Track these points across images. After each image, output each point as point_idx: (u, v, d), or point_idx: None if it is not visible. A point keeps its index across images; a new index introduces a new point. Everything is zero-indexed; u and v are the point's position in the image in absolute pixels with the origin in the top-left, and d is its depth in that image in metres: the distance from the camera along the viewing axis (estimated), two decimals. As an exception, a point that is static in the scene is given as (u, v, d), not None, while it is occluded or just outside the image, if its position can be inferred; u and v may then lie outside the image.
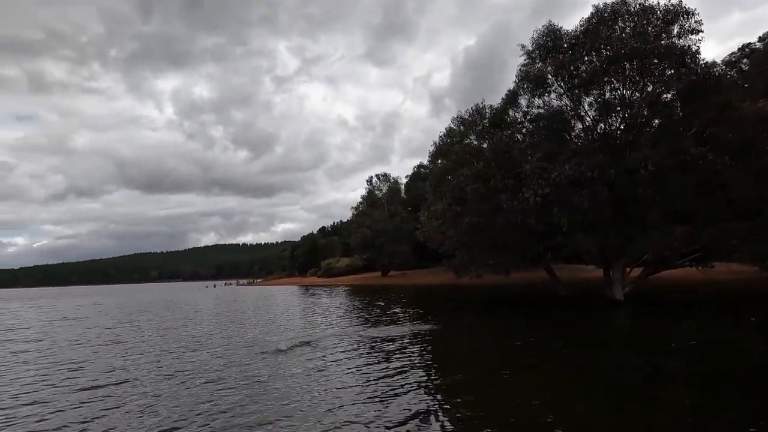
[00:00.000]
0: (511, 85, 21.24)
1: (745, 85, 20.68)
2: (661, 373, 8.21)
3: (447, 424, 5.92)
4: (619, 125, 19.33)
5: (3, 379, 9.56)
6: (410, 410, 6.43)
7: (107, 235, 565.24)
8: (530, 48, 20.66)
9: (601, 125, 19.73)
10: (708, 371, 8.19)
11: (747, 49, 32.70)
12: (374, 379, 8.19)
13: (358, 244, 63.82)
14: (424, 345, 11.79)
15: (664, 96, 19.03)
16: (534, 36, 20.44)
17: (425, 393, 7.30)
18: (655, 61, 17.78)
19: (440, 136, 25.56)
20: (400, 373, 8.62)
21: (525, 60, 20.85)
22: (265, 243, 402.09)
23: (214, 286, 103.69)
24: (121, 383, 8.73)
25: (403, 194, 69.73)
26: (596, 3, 19.26)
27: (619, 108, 18.83)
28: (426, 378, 8.31)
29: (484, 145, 22.08)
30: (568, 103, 19.83)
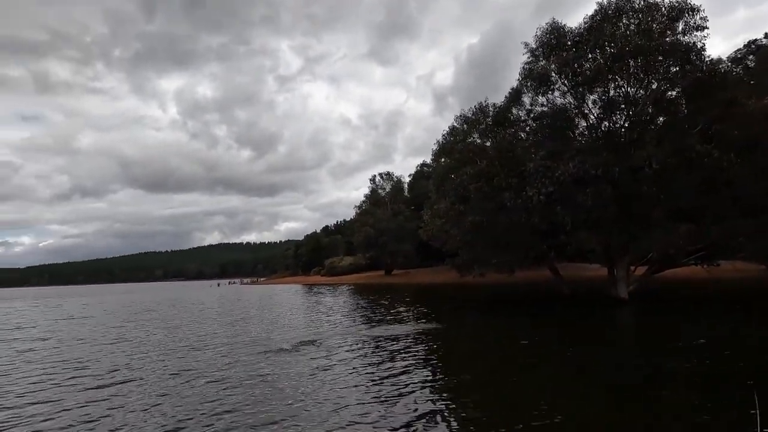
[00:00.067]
0: (515, 84, 21.22)
1: (751, 82, 20.53)
2: (662, 372, 8.17)
3: (453, 424, 5.91)
4: (624, 123, 19.24)
5: (9, 378, 9.62)
6: (416, 410, 6.43)
7: (112, 235, 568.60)
8: (534, 46, 20.60)
9: (605, 123, 19.64)
10: (711, 371, 8.14)
11: (753, 46, 32.37)
12: (379, 379, 8.20)
13: (362, 243, 63.92)
14: (428, 344, 11.79)
15: (669, 93, 18.94)
16: (537, 34, 20.40)
17: (430, 393, 7.30)
18: (660, 58, 17.67)
19: (443, 135, 25.59)
20: (404, 372, 8.62)
21: (528, 58, 20.79)
22: (268, 242, 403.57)
23: (218, 285, 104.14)
24: (127, 382, 8.77)
25: (406, 193, 69.76)
26: (600, 0, 19.16)
27: (623, 106, 18.75)
28: (430, 378, 8.31)
29: (488, 144, 22.03)
30: (571, 101, 19.75)
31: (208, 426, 6.10)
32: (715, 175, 16.37)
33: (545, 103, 20.51)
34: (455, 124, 24.37)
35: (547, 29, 20.05)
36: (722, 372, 8.02)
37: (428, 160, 55.37)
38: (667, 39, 17.54)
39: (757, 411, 4.47)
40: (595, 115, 19.74)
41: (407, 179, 71.68)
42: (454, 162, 22.88)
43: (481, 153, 21.27)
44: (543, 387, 7.56)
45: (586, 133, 20.43)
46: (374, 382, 8.00)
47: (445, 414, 6.30)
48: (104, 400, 7.63)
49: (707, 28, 17.86)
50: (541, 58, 20.32)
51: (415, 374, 8.47)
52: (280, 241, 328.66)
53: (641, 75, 18.27)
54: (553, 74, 19.38)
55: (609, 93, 18.82)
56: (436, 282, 46.51)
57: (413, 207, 59.72)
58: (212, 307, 29.30)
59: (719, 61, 18.91)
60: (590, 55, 18.59)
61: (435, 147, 26.58)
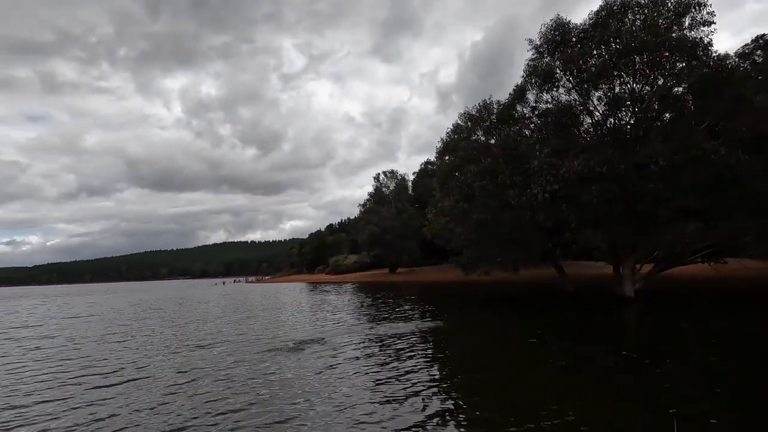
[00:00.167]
0: (519, 80, 21.07)
1: (759, 78, 20.22)
2: (666, 372, 8.12)
3: (460, 424, 5.91)
4: (629, 120, 19.08)
5: (17, 376, 9.71)
6: (422, 410, 6.43)
7: (119, 233, 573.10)
8: (538, 42, 20.44)
9: (611, 120, 19.48)
10: (716, 370, 8.09)
11: (761, 41, 31.86)
12: (385, 378, 8.20)
13: (366, 241, 63.91)
14: (433, 343, 11.78)
15: (676, 89, 18.72)
16: (542, 30, 20.22)
17: (436, 393, 7.29)
18: (666, 54, 17.48)
19: (447, 133, 25.51)
20: (410, 372, 8.62)
21: (533, 54, 20.64)
22: (273, 240, 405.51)
23: (224, 283, 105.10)
24: (134, 380, 8.83)
25: (410, 191, 69.67)
26: (605, -5, 18.98)
27: (629, 102, 18.57)
28: (437, 377, 8.31)
29: (492, 141, 21.94)
30: (576, 97, 19.60)
31: (214, 425, 6.13)
32: (723, 172, 16.17)
33: (550, 100, 20.38)
34: (459, 122, 24.30)
35: (552, 25, 19.90)
36: (726, 372, 7.96)
37: (432, 158, 55.38)
38: (674, 34, 17.35)
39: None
40: (601, 111, 19.58)
41: (411, 177, 71.68)
42: (459, 160, 22.80)
43: (485, 150, 21.18)
44: (548, 386, 7.53)
45: (591, 130, 20.28)
46: (380, 381, 8.00)
47: (452, 414, 6.29)
48: (111, 398, 7.68)
49: (714, 23, 17.65)
50: (545, 55, 20.16)
51: (421, 373, 8.47)
52: (285, 240, 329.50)
53: (647, 71, 18.08)
54: (558, 71, 19.22)
55: (614, 89, 18.65)
56: (440, 280, 46.46)
57: (417, 205, 59.65)
58: (218, 305, 29.43)
59: (726, 56, 18.66)
60: (595, 52, 18.41)
61: (439, 145, 26.51)
